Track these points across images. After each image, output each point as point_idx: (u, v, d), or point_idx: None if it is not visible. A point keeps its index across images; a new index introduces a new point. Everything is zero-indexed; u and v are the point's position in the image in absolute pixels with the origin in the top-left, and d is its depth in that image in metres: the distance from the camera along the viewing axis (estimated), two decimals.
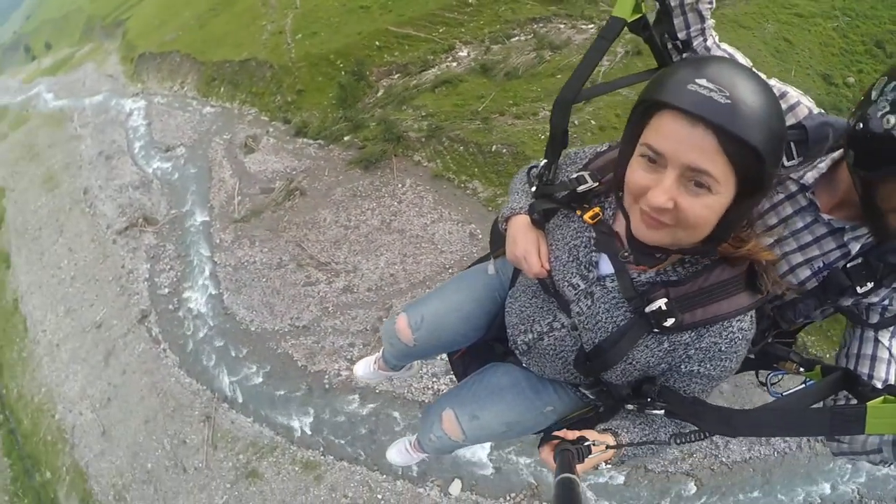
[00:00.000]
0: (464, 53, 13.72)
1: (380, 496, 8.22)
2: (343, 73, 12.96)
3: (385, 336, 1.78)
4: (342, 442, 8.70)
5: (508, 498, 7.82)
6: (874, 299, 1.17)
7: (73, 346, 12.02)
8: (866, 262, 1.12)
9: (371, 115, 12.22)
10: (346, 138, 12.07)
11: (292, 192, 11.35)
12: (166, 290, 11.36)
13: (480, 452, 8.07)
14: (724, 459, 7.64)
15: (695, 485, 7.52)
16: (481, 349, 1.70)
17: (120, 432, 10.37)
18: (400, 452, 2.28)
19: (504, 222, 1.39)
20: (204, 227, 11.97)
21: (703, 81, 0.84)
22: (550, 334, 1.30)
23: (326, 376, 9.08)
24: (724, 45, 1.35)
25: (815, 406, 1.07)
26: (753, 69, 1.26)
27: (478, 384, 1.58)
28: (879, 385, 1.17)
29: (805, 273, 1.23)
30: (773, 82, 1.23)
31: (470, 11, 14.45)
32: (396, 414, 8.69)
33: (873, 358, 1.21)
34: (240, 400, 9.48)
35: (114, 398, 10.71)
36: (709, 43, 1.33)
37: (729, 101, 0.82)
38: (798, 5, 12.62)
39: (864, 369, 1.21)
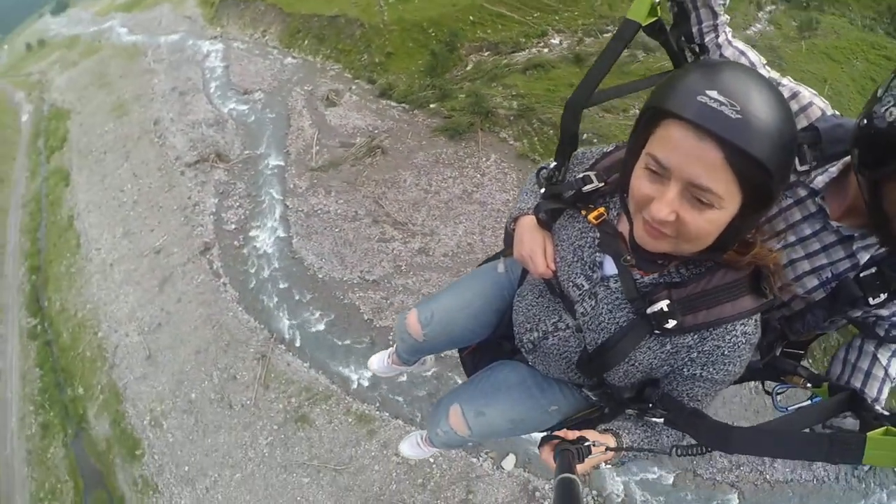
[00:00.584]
0: (556, 41, 13.51)
1: (432, 460, 7.93)
2: (435, 41, 12.80)
3: (397, 331, 1.83)
4: (400, 400, 8.42)
5: None
6: (884, 312, 1.13)
7: (128, 267, 11.91)
8: (880, 273, 1.07)
9: (460, 87, 12.02)
10: (431, 106, 11.90)
11: (373, 150, 11.18)
12: (232, 227, 11.22)
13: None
14: (767, 477, 7.40)
15: (737, 497, 7.29)
16: (491, 346, 1.70)
17: (166, 359, 10.19)
18: (412, 446, 2.29)
19: (512, 222, 1.40)
20: (278, 171, 11.83)
21: (713, 93, 0.79)
22: (555, 334, 1.29)
23: (391, 333, 8.80)
24: (737, 42, 1.31)
25: (815, 430, 1.05)
26: (767, 66, 1.23)
27: (485, 381, 1.59)
28: (869, 402, 1.13)
29: (812, 282, 1.19)
30: (785, 81, 1.21)
31: (565, 0, 14.25)
32: (458, 378, 8.38)
33: (867, 374, 1.18)
34: (298, 343, 9.25)
35: (165, 324, 10.54)
36: (721, 39, 1.29)
37: (740, 116, 0.77)
38: (887, 48, 12.43)
39: (856, 382, 1.18)
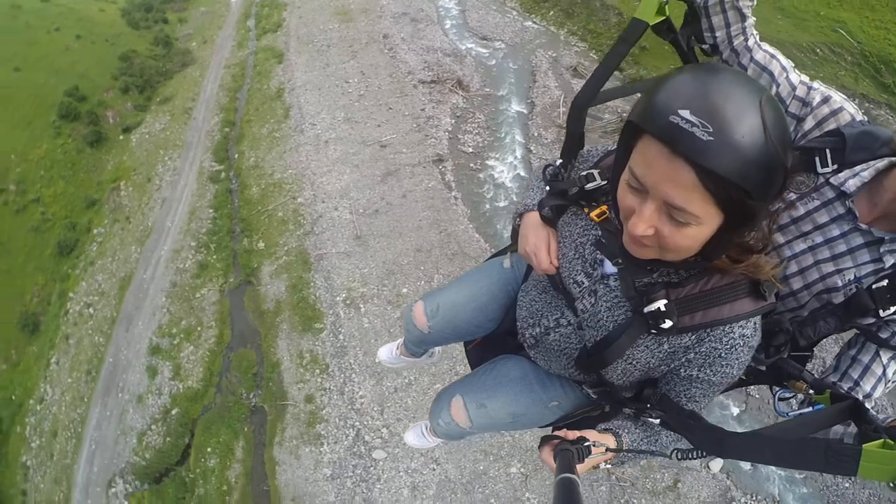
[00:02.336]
0: None
1: None
2: None
3: (404, 322, 1.72)
4: None
5: (754, 498, 6.87)
6: (895, 317, 1.06)
7: (347, 149, 11.01)
8: (892, 286, 1.01)
9: None
10: None
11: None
12: (469, 150, 10.27)
13: None
14: None
15: None
16: (496, 341, 1.58)
17: (379, 245, 9.18)
18: (417, 436, 2.11)
19: (518, 218, 1.32)
20: (520, 116, 10.91)
21: (685, 113, 0.68)
22: (556, 330, 1.20)
23: None
24: (766, 45, 1.19)
25: (811, 438, 0.97)
26: (796, 70, 1.16)
27: (488, 374, 1.49)
28: (860, 396, 1.11)
29: (836, 283, 1.10)
30: (816, 85, 1.14)
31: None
32: None
33: (866, 368, 1.13)
34: None
35: (383, 212, 9.56)
36: (750, 42, 1.18)
37: (711, 139, 0.67)
38: None
39: (854, 373, 1.13)
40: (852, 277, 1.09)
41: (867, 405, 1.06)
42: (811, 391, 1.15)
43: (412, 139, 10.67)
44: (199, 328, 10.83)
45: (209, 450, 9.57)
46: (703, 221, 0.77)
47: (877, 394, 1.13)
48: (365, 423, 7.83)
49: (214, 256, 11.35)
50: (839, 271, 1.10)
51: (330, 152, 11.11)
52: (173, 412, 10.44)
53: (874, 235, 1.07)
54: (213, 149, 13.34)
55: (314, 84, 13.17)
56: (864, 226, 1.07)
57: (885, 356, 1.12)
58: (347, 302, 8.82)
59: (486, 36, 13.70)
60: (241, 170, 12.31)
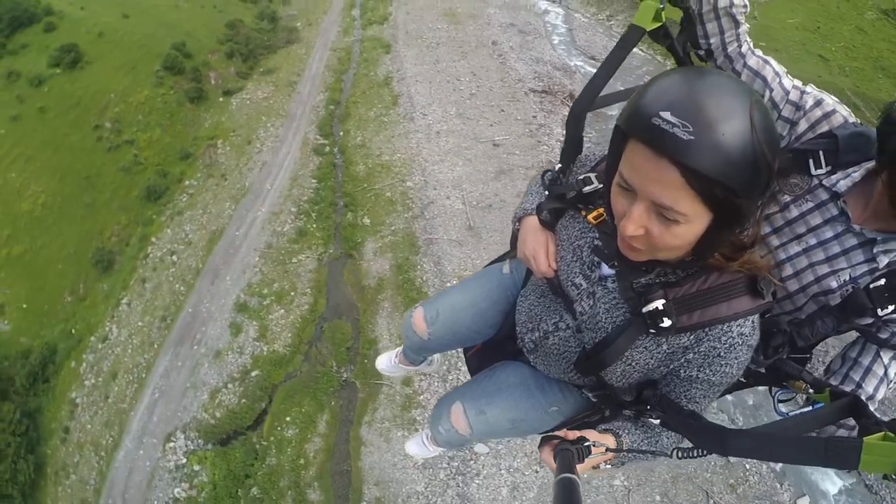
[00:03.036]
0: None
1: (748, 465, 6.93)
2: None
3: (403, 329, 1.68)
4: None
5: None
6: (893, 316, 1.03)
7: (459, 143, 11.09)
8: (890, 285, 0.99)
9: None
10: None
11: None
12: None
13: (831, 487, 7.14)
14: None
15: None
16: (495, 346, 1.53)
17: (492, 239, 9.20)
18: (418, 445, 2.06)
19: (517, 222, 1.27)
20: None
21: (666, 115, 0.69)
22: (556, 334, 1.16)
23: None
24: (759, 52, 1.18)
25: (812, 434, 0.97)
26: (789, 75, 1.15)
27: (487, 380, 1.47)
28: (863, 398, 1.05)
29: (831, 284, 1.08)
30: (809, 89, 1.13)
31: None
32: None
33: (867, 370, 1.09)
34: None
35: (496, 208, 9.59)
36: (744, 49, 1.16)
37: (692, 138, 0.67)
38: None
39: (855, 376, 1.10)
40: (847, 278, 1.08)
41: (871, 407, 1.04)
42: (811, 390, 1.13)
43: (525, 143, 10.73)
44: (292, 293, 10.78)
45: (288, 419, 9.20)
46: (692, 220, 0.76)
47: (879, 395, 1.11)
48: None
49: (315, 225, 11.43)
50: (834, 272, 1.09)
51: (442, 143, 11.21)
52: (253, 374, 10.06)
53: (866, 236, 1.06)
54: (318, 123, 13.52)
55: (424, 77, 13.33)
56: (856, 227, 1.07)
57: (885, 357, 1.10)
58: None
59: (593, 56, 13.80)
60: (347, 147, 12.45)
